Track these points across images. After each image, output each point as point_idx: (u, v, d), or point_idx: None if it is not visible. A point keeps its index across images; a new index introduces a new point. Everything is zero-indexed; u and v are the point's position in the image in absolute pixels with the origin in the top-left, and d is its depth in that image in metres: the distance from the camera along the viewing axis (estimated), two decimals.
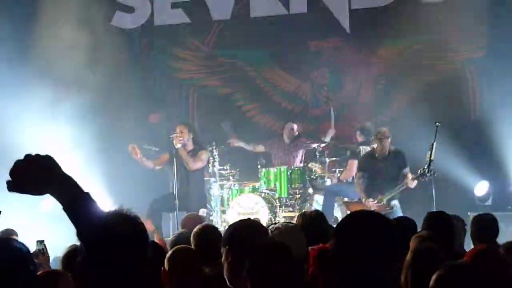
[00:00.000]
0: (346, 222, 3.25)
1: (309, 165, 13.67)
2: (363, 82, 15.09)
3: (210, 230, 5.73)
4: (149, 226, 9.24)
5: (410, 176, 12.00)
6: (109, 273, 2.73)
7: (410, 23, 14.55)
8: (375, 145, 12.43)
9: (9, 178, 2.71)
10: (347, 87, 15.16)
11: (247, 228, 4.37)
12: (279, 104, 15.47)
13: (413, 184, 11.84)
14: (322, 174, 13.64)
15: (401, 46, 14.86)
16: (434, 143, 11.75)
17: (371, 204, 11.91)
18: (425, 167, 11.77)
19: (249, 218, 4.83)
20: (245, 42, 15.24)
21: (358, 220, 3.21)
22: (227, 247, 4.25)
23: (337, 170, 13.68)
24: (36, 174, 2.70)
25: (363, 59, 15.00)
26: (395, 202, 12.11)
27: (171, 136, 12.20)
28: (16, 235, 8.58)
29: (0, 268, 2.81)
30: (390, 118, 14.75)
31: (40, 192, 2.73)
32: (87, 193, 2.77)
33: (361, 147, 13.12)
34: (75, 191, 2.74)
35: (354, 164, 12.85)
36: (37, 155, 2.74)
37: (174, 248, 5.03)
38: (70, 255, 5.39)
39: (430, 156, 11.64)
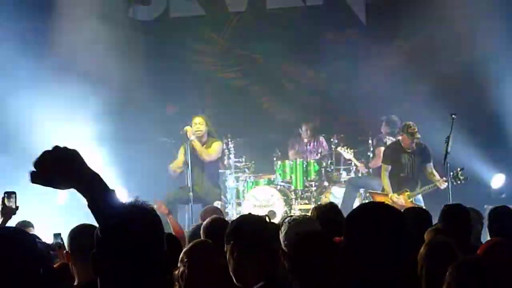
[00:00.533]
0: (356, 214, 3.22)
1: (338, 148, 13.58)
2: (380, 74, 15.03)
3: (219, 224, 5.73)
4: (163, 209, 9.26)
5: (437, 175, 11.91)
6: (124, 265, 2.73)
7: (428, 14, 14.51)
8: (400, 137, 12.35)
9: (33, 169, 2.65)
10: (364, 79, 15.12)
11: (250, 223, 4.35)
12: (295, 96, 15.46)
13: (443, 185, 11.74)
14: (349, 160, 13.58)
15: (418, 37, 14.80)
16: (450, 136, 11.69)
17: (396, 200, 11.81)
18: (458, 169, 11.73)
19: (250, 213, 4.81)
20: (261, 34, 15.23)
21: (368, 212, 3.17)
22: (232, 242, 4.21)
23: (353, 163, 13.65)
24: (62, 167, 2.66)
25: (379, 51, 14.96)
26: (419, 197, 12.04)
27: (185, 127, 12.14)
28: (32, 227, 8.62)
29: (8, 263, 2.80)
30: (407, 110, 14.71)
31: (64, 186, 2.69)
32: (113, 191, 2.76)
33: (388, 137, 13.07)
34: (101, 188, 2.73)
35: (381, 151, 12.75)
36: (65, 148, 2.70)
37: (192, 242, 5.03)
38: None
39: (447, 149, 11.59)
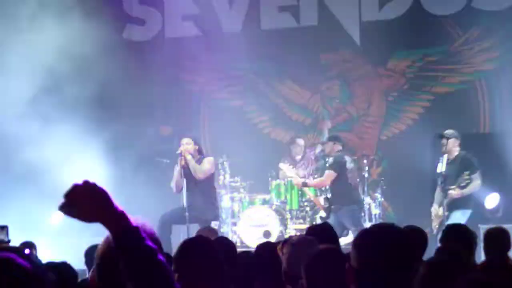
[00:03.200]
0: (364, 236, 3.20)
1: (280, 165, 13.44)
2: (374, 94, 15.11)
3: (224, 243, 5.80)
4: None
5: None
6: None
7: (421, 35, 14.64)
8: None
9: (63, 200, 2.73)
10: (358, 99, 15.20)
11: (199, 245, 4.26)
12: (289, 116, 15.50)
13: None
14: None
15: (411, 58, 14.88)
16: (445, 155, 11.74)
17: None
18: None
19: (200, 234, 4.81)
20: (255, 54, 15.25)
21: (377, 234, 3.16)
22: (182, 268, 4.04)
23: None
24: (92, 202, 2.75)
25: (373, 71, 15.05)
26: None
27: (177, 152, 12.05)
28: (35, 248, 8.61)
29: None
30: (401, 130, 14.80)
31: (90, 220, 2.77)
32: (137, 228, 2.84)
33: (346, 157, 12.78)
34: (126, 225, 2.81)
35: (330, 175, 12.50)
36: (94, 184, 2.79)
37: None
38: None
39: (441, 169, 11.62)
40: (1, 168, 13.25)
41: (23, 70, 12.88)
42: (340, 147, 12.56)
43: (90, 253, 6.75)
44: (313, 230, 6.33)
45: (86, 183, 2.77)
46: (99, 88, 13.64)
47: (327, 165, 12.40)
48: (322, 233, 6.16)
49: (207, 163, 12.02)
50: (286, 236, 9.74)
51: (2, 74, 12.88)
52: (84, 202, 2.74)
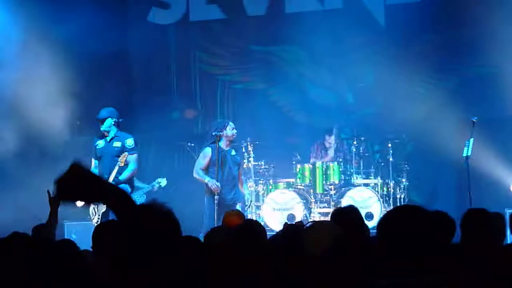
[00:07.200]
0: (393, 215, 3.16)
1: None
2: (399, 77, 15.00)
3: (255, 225, 5.83)
4: None
5: None
6: (134, 268, 2.79)
7: (447, 17, 14.49)
8: None
9: (56, 188, 2.74)
10: (383, 82, 15.08)
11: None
12: (314, 99, 15.44)
13: None
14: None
15: (437, 40, 14.75)
16: (471, 139, 11.66)
17: None
18: None
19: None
20: (280, 37, 15.21)
21: (404, 213, 3.12)
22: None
23: (372, 166, 13.61)
24: (85, 185, 2.75)
25: (398, 54, 14.92)
26: None
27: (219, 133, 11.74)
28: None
29: None
30: (427, 114, 14.69)
31: (90, 201, 2.81)
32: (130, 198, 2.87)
33: None
34: (122, 198, 2.82)
35: None
36: (80, 167, 2.78)
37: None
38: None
39: (467, 152, 11.55)
40: None
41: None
42: None
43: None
44: (337, 214, 6.30)
45: (73, 166, 2.76)
46: (123, 70, 13.65)
47: None
48: (346, 216, 6.13)
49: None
50: (310, 220, 9.73)
51: None
52: (77, 185, 2.73)
